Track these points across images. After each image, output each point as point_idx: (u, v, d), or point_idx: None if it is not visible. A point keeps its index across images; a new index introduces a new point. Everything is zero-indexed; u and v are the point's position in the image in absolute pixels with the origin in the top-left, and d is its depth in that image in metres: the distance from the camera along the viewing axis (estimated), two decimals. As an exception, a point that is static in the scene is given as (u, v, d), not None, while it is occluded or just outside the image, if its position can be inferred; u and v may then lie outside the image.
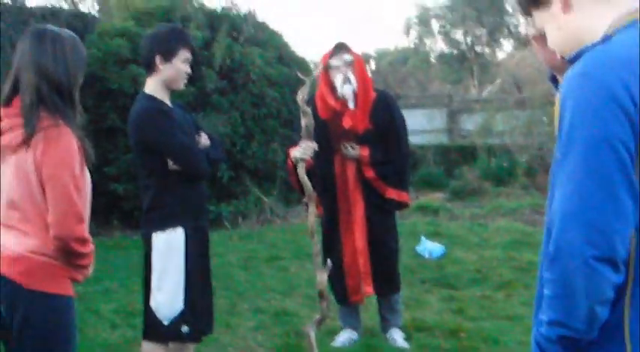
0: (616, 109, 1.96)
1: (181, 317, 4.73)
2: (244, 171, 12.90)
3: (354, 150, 6.22)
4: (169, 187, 4.75)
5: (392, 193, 6.33)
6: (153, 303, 4.76)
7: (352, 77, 6.15)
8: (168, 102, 4.85)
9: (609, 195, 1.97)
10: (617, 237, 1.97)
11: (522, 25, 38.39)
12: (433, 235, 11.07)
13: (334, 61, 6.14)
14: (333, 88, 6.19)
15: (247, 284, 8.68)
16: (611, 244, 1.96)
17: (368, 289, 6.39)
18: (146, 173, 4.84)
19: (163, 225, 4.75)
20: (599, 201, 1.97)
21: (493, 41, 39.08)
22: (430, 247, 10.15)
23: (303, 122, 5.28)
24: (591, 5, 2.20)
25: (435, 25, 39.68)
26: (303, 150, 5.56)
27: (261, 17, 14.70)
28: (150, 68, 4.81)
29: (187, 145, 4.74)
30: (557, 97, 2.10)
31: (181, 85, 4.89)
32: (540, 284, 2.26)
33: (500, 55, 39.47)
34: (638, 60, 2.01)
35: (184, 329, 4.73)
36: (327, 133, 6.10)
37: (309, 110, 5.20)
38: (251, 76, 12.83)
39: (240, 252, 10.43)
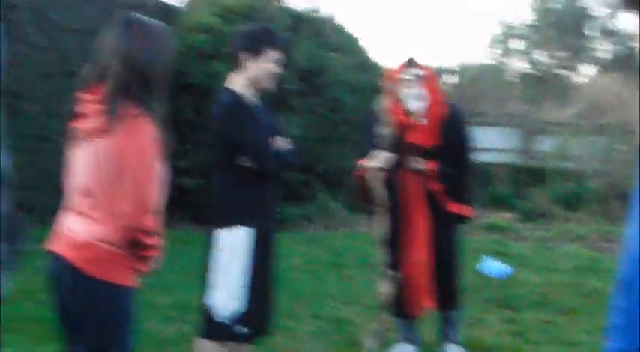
0: None
1: (239, 318, 4.73)
2: (314, 175, 12.89)
3: (419, 163, 6.15)
4: (241, 184, 4.77)
5: (454, 207, 6.26)
6: (212, 301, 4.77)
7: (423, 92, 6.10)
8: (252, 99, 4.87)
9: None
10: None
11: (605, 51, 38.01)
12: (499, 254, 10.97)
13: (405, 75, 6.10)
14: (401, 102, 6.15)
15: (308, 289, 8.68)
16: None
17: (427, 302, 6.32)
18: (220, 167, 4.87)
19: (230, 222, 4.76)
20: None
21: (574, 65, 38.68)
22: (493, 266, 10.03)
23: (383, 131, 5.26)
24: None
25: (517, 44, 39.38)
26: (381, 160, 5.56)
27: (343, 23, 14.68)
28: (236, 64, 4.85)
29: (262, 143, 4.74)
30: None
31: (266, 85, 4.90)
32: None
33: (579, 79, 39.05)
34: None
35: (241, 329, 4.73)
36: (393, 146, 6.07)
37: (389, 119, 5.18)
38: (329, 80, 12.81)
39: (304, 255, 10.44)
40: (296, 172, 12.21)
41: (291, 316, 7.43)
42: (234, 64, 4.90)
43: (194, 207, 12.01)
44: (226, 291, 4.74)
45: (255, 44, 4.80)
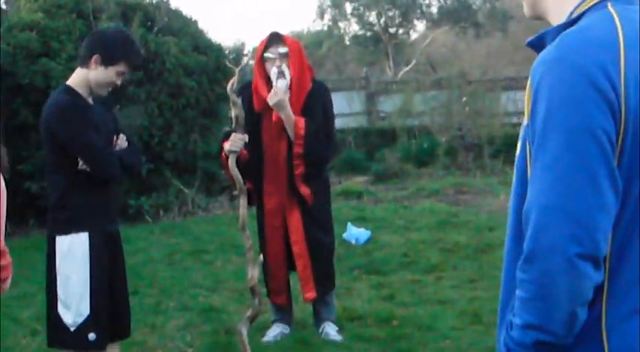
0: (596, 95, 1.82)
1: (87, 324, 4.54)
2: (164, 163, 12.67)
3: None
4: (77, 187, 4.55)
5: (304, 189, 6.14)
6: (58, 310, 4.56)
7: (287, 70, 5.97)
8: (89, 99, 4.64)
9: (593, 188, 1.82)
10: (601, 233, 1.82)
11: (434, 5, 38.79)
12: (358, 220, 10.97)
13: (268, 54, 5.97)
14: (268, 80, 6.02)
15: (172, 281, 8.46)
16: (595, 241, 1.81)
17: (309, 295, 6.23)
18: (53, 169, 4.64)
19: (68, 228, 4.55)
20: (582, 194, 1.82)
21: (406, 22, 39.32)
22: (356, 233, 10.03)
23: (233, 113, 5.16)
24: None
25: (348, 7, 39.74)
26: (233, 143, 5.43)
27: (174, 4, 14.38)
28: (84, 62, 4.60)
29: (98, 146, 4.54)
30: (529, 83, 1.95)
31: (105, 92, 4.69)
32: (506, 282, 2.08)
33: (414, 35, 39.81)
34: (615, 42, 1.88)
35: (91, 336, 4.54)
36: (260, 125, 5.94)
37: (238, 101, 5.08)
38: (167, 65, 12.56)
39: (163, 246, 10.20)
40: (145, 163, 11.97)
41: (158, 311, 7.24)
42: (82, 61, 4.64)
43: (44, 211, 11.60)
44: (72, 299, 4.53)
45: (113, 52, 4.57)
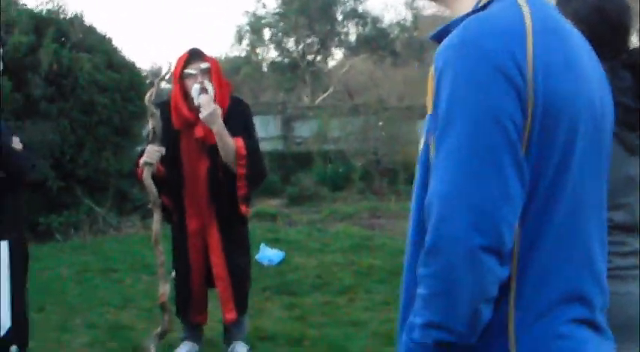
0: (503, 81, 1.72)
1: (10, 336, 4.38)
2: (75, 181, 12.43)
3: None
4: None
5: (244, 208, 6.05)
6: None
7: (209, 85, 5.82)
8: None
9: (498, 176, 1.71)
10: (505, 225, 1.72)
11: (352, 33, 39.06)
12: (272, 242, 10.90)
13: (189, 70, 5.81)
14: (187, 97, 5.86)
15: (80, 298, 8.27)
16: (499, 232, 1.70)
17: (230, 315, 6.10)
18: None
19: None
20: (486, 183, 1.71)
21: (324, 49, 39.48)
22: (270, 254, 9.98)
23: (150, 124, 5.06)
24: None
25: (266, 33, 39.75)
26: (148, 154, 5.31)
27: (89, 21, 14.13)
28: None
29: (10, 149, 4.43)
30: (431, 70, 1.85)
31: None
32: (407, 285, 1.95)
33: (332, 63, 40.01)
34: (522, 29, 1.79)
35: (13, 349, 4.38)
36: (179, 144, 5.80)
37: (156, 112, 4.98)
38: (80, 82, 12.34)
39: (73, 264, 9.98)
40: (55, 180, 11.76)
41: (65, 329, 7.06)
42: None
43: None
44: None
45: None
